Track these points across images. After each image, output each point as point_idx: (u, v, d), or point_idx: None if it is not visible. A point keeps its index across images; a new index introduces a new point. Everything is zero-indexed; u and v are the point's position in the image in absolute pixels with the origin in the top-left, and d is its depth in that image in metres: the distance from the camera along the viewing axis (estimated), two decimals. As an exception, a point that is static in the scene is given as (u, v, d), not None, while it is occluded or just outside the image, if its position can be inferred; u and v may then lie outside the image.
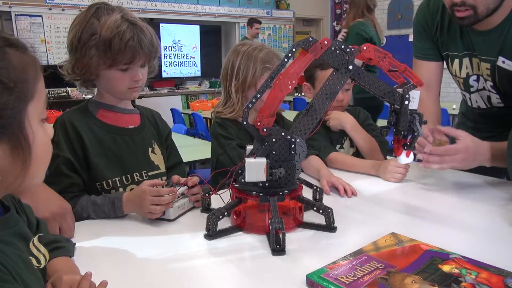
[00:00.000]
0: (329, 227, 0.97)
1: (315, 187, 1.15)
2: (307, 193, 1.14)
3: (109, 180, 1.14)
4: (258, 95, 0.93)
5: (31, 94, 0.53)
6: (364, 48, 0.95)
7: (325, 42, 0.92)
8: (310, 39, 0.92)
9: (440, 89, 1.57)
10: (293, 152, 0.95)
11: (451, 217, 1.06)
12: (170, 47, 6.72)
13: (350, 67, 0.94)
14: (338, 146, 1.68)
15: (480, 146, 1.19)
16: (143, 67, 1.17)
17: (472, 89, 1.46)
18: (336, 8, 8.46)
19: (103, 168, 1.13)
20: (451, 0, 1.23)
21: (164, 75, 6.72)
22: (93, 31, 1.08)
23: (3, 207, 0.63)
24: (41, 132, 0.56)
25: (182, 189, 1.10)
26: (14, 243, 0.58)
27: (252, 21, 6.10)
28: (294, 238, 0.95)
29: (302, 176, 1.46)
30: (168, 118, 5.38)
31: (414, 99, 0.99)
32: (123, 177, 1.17)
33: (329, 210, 0.97)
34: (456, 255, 0.80)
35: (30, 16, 5.57)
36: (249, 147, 1.04)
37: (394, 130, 1.03)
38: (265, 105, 0.92)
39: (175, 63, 6.81)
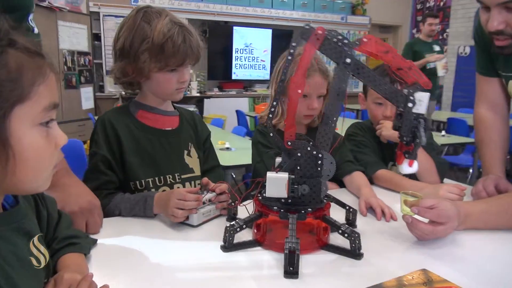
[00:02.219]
0: (354, 253, 0.89)
1: (347, 207, 1.07)
2: (340, 213, 1.08)
3: (142, 180, 1.16)
4: (274, 103, 0.88)
5: (22, 96, 0.54)
6: (365, 40, 0.85)
7: (320, 32, 0.84)
8: (307, 26, 0.85)
9: (509, 108, 1.39)
10: (319, 168, 0.89)
11: (499, 258, 0.92)
12: (241, 50, 6.84)
13: (348, 60, 0.85)
14: (391, 163, 1.57)
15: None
16: (187, 67, 1.19)
17: None
18: (417, 15, 8.01)
19: (137, 168, 1.16)
20: (487, 29, 1.10)
21: (234, 77, 6.87)
22: (144, 35, 1.10)
23: (16, 200, 0.66)
24: (32, 136, 0.56)
25: (209, 195, 1.08)
26: (11, 239, 0.60)
27: (425, 16, 4.75)
28: (313, 261, 0.88)
29: (344, 192, 1.38)
30: (233, 120, 5.49)
31: (422, 102, 0.86)
32: (156, 178, 1.18)
33: (355, 235, 0.89)
34: (492, 306, 0.68)
35: (116, 16, 6.00)
36: (278, 159, 0.99)
37: (399, 135, 0.92)
38: (287, 115, 0.87)
39: (245, 65, 6.92)
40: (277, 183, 0.88)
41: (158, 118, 1.23)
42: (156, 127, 1.22)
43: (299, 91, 0.84)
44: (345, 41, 0.84)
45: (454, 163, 3.89)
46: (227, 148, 2.94)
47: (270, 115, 0.90)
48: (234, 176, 3.42)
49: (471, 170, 3.74)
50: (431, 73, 4.44)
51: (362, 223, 1.10)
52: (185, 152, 1.26)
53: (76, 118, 5.52)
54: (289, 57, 0.87)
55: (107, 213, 1.09)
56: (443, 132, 3.77)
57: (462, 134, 3.91)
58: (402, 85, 0.90)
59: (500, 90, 1.37)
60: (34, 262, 0.63)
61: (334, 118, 0.87)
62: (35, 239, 0.65)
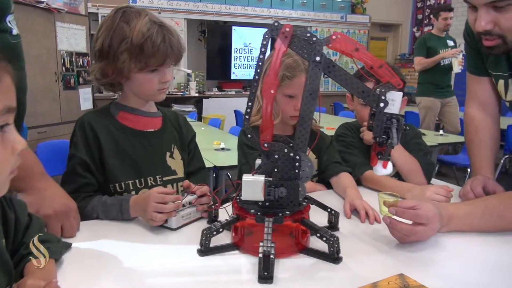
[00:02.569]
0: (332, 257, 0.87)
1: (329, 210, 1.05)
2: (323, 216, 1.06)
3: (122, 183, 1.15)
4: (250, 103, 0.86)
5: None
6: (334, 37, 0.82)
7: (287, 29, 0.82)
8: (276, 23, 0.83)
9: (500, 108, 1.36)
10: (297, 170, 0.87)
11: (481, 263, 0.89)
12: (240, 50, 6.82)
13: (317, 58, 0.82)
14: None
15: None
16: (169, 67, 1.17)
17: None
18: (418, 14, 7.97)
19: (117, 170, 1.14)
20: (475, 29, 1.07)
21: (233, 76, 6.85)
22: (123, 36, 1.09)
23: None
24: None
25: (190, 198, 1.07)
26: None
27: (439, 10, 4.42)
28: (291, 265, 0.86)
29: (331, 194, 1.36)
30: (232, 120, 5.47)
31: (394, 102, 0.84)
32: (137, 180, 1.17)
33: (334, 239, 0.87)
34: (467, 313, 0.66)
35: (115, 17, 5.99)
36: (258, 161, 0.97)
37: (372, 136, 0.89)
38: (262, 117, 0.85)
39: (244, 65, 6.90)
40: (253, 186, 0.86)
41: (139, 120, 1.21)
42: (137, 129, 1.20)
43: (272, 91, 0.82)
44: (314, 38, 0.82)
45: (453, 162, 3.86)
46: (222, 149, 2.92)
47: (247, 116, 0.89)
48: (230, 176, 3.41)
49: (469, 170, 3.70)
50: (445, 70, 4.28)
51: (346, 226, 1.08)
52: (168, 154, 1.24)
53: (75, 119, 5.50)
54: (261, 56, 0.85)
55: (85, 216, 1.08)
56: (441, 131, 3.74)
57: (461, 133, 3.87)
58: (374, 84, 0.88)
59: (490, 90, 1.35)
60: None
61: (309, 119, 0.85)
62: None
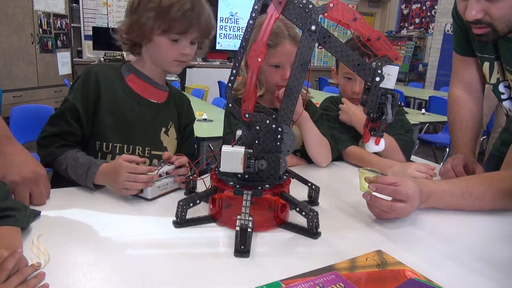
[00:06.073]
0: (311, 232, 0.86)
1: (309, 184, 1.03)
2: (302, 190, 1.04)
3: (110, 144, 1.13)
4: (234, 71, 0.82)
5: None
6: (331, 5, 0.78)
7: None
8: None
9: (484, 89, 1.35)
10: (278, 143, 0.84)
11: (459, 241, 0.89)
12: (226, 19, 6.65)
13: (313, 27, 0.78)
14: (361, 140, 1.53)
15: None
16: (193, 43, 1.15)
17: (503, 96, 1.25)
18: (407, -10, 7.87)
19: (108, 129, 1.12)
20: (465, 18, 1.07)
21: (218, 47, 6.70)
22: None
23: None
24: None
25: (167, 168, 1.03)
26: None
27: None
28: (269, 239, 0.85)
29: (312, 168, 1.34)
30: (216, 90, 5.38)
31: (390, 77, 0.81)
32: (125, 145, 1.14)
33: (313, 213, 0.85)
34: (443, 291, 0.66)
35: (95, -21, 5.73)
36: (239, 132, 0.94)
37: (366, 111, 0.86)
38: (246, 86, 0.81)
39: (230, 35, 6.75)
40: (232, 158, 0.83)
41: (146, 87, 1.19)
42: (141, 95, 1.18)
43: (259, 59, 0.78)
44: (310, 5, 0.78)
45: (432, 142, 3.91)
46: (204, 119, 2.87)
47: (230, 84, 0.84)
48: (212, 148, 3.38)
49: (448, 149, 3.76)
50: None
51: (326, 201, 1.07)
52: (163, 129, 1.22)
53: (53, 83, 5.34)
54: (251, 21, 0.80)
55: (55, 164, 1.06)
56: (423, 110, 3.76)
57: (443, 113, 3.90)
58: (370, 58, 0.84)
59: (476, 71, 1.34)
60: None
61: (297, 90, 0.82)
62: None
